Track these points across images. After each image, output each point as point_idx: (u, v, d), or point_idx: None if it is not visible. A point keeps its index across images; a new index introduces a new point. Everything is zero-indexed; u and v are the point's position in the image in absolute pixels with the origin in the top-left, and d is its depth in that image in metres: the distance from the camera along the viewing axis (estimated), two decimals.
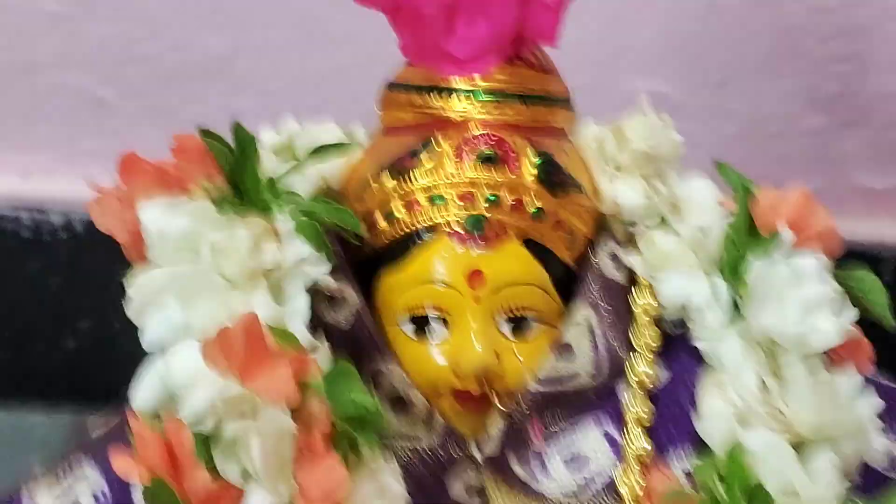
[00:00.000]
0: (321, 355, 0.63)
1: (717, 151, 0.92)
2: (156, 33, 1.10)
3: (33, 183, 1.14)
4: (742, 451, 0.64)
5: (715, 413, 0.66)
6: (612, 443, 0.68)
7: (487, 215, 0.67)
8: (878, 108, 1.11)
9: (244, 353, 0.60)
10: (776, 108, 1.11)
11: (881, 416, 0.68)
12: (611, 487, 0.67)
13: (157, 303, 0.65)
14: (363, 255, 0.69)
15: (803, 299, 0.67)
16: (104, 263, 1.05)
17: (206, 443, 0.58)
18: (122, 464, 0.58)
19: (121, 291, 1.09)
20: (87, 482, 0.67)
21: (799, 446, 0.64)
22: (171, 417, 0.59)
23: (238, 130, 0.68)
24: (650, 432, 0.68)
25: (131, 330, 1.09)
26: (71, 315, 1.15)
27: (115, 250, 1.08)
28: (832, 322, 0.67)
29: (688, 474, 0.66)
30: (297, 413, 0.60)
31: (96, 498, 0.67)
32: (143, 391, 0.62)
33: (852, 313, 0.68)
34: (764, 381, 0.66)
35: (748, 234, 0.70)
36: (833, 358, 0.67)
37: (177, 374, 0.61)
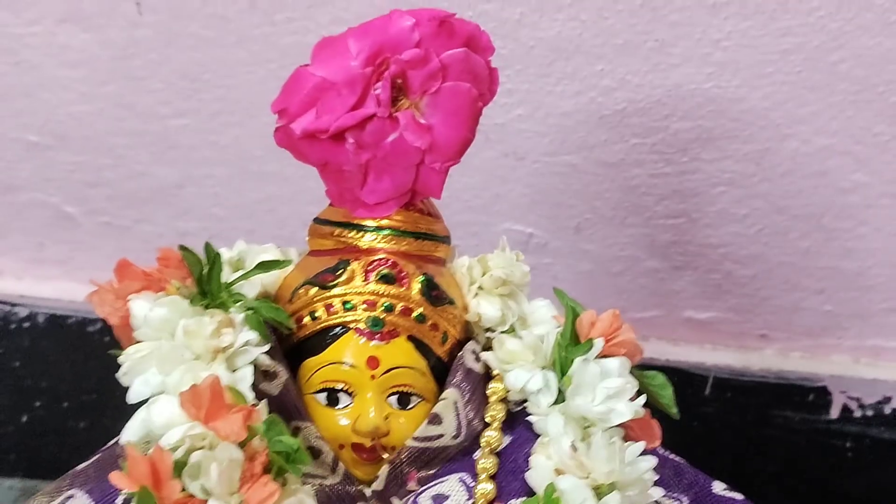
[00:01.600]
0: (260, 410, 0.71)
1: (573, 284, 1.03)
2: (117, 163, 1.17)
3: (5, 281, 1.22)
4: (555, 490, 0.72)
5: (539, 466, 0.74)
6: (467, 486, 0.77)
7: (384, 318, 0.77)
8: (702, 255, 1.18)
9: (208, 403, 0.69)
10: (622, 252, 1.19)
11: (664, 480, 0.78)
12: None
13: (141, 369, 0.74)
14: (292, 341, 0.78)
15: (607, 389, 0.76)
16: (59, 352, 1.19)
17: (178, 465, 0.67)
18: (116, 478, 0.66)
19: (71, 377, 1.22)
20: (75, 501, 0.75)
21: (596, 489, 0.72)
22: (155, 446, 0.67)
23: (207, 248, 0.77)
24: (494, 478, 0.77)
25: (77, 410, 1.22)
26: (27, 394, 1.23)
27: (69, 342, 1.20)
28: (626, 405, 0.76)
29: None
30: (244, 448, 0.68)
31: None
32: (133, 429, 0.72)
33: (642, 400, 0.76)
34: (575, 445, 0.74)
35: (572, 341, 0.79)
36: (628, 431, 0.77)
37: (158, 418, 0.71)
